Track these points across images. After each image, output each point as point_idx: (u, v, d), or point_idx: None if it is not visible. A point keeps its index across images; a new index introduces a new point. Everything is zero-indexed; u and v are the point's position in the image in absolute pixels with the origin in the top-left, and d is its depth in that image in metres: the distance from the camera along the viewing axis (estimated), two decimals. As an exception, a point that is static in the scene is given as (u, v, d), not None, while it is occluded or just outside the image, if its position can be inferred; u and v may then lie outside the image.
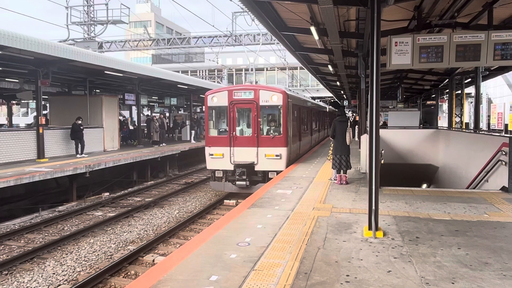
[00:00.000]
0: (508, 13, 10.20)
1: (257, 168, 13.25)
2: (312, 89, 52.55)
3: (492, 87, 41.29)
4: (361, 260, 5.11)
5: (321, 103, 32.47)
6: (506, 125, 34.71)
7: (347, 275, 4.64)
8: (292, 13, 10.58)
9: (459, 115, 21.99)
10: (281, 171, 12.75)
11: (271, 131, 13.52)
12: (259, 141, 13.14)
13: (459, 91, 21.91)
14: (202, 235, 6.31)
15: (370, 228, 6.16)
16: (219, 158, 13.42)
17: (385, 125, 22.59)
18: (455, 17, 9.70)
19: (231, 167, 13.26)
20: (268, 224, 6.80)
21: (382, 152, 11.08)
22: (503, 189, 9.51)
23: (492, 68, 17.67)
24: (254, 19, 11.72)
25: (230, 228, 6.58)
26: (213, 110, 14.22)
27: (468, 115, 23.46)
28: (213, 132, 14.08)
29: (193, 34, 39.15)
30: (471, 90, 21.91)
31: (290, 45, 14.59)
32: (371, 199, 6.17)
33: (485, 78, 20.45)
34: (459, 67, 14.81)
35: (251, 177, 13.21)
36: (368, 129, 6.69)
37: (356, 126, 22.15)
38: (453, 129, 19.24)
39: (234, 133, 13.35)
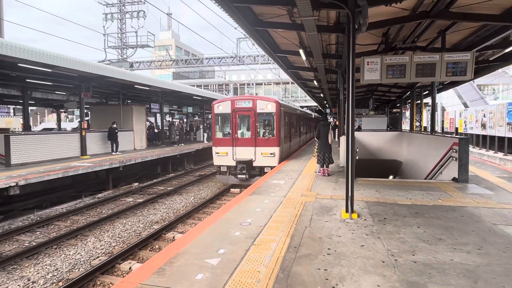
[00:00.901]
0: (458, 38, 10.20)
1: (255, 164, 13.15)
2: (301, 100, 52.51)
3: (445, 98, 41.29)
4: (340, 236, 5.14)
5: (308, 111, 32.37)
6: (456, 129, 34.70)
7: (328, 249, 4.66)
8: (284, 39, 10.60)
9: (419, 120, 21.98)
10: (275, 166, 12.65)
11: (266, 134, 13.30)
12: (256, 142, 13.04)
13: (419, 101, 21.93)
14: (212, 217, 6.33)
15: (347, 211, 6.18)
16: (223, 156, 13.34)
17: (359, 129, 22.62)
18: (415, 41, 9.71)
19: (234, 163, 13.19)
20: (265, 208, 6.82)
21: (357, 150, 11.13)
22: (454, 179, 9.52)
23: (445, 83, 17.68)
24: (254, 43, 11.74)
25: (234, 211, 6.62)
26: (219, 117, 13.93)
27: (426, 120, 23.47)
28: (219, 135, 13.81)
29: (205, 55, 39.07)
30: (428, 100, 21.91)
31: (283, 64, 14.59)
32: (348, 187, 6.18)
33: (440, 90, 20.44)
34: (418, 82, 14.79)
35: (250, 171, 13.13)
36: (345, 131, 6.69)
37: (336, 129, 22.11)
38: (414, 131, 19.24)
39: (236, 135, 13.30)
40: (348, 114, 6.45)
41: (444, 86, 19.76)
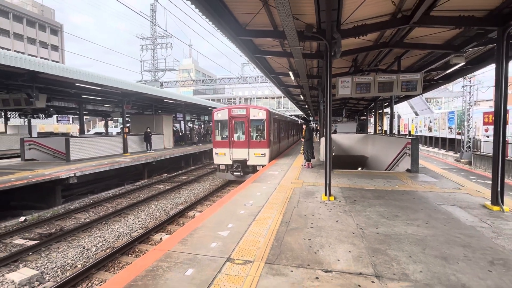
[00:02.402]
0: (410, 62, 10.18)
1: (248, 163, 11.98)
2: (291, 110, 52.29)
3: (400, 108, 41.12)
4: (320, 214, 5.13)
5: (296, 118, 31.97)
6: (409, 131, 34.61)
7: (312, 223, 4.65)
8: (277, 63, 10.58)
9: (381, 125, 21.89)
10: (265, 164, 11.60)
11: (258, 137, 12.05)
12: (249, 144, 11.88)
13: (380, 111, 21.85)
14: (223, 199, 6.31)
15: (326, 195, 6.16)
16: (222, 156, 12.19)
17: (335, 132, 22.52)
18: (377, 65, 9.69)
19: (230, 162, 12.06)
20: (264, 192, 6.81)
21: (334, 148, 11.19)
22: (408, 170, 9.49)
23: (400, 96, 17.61)
24: (255, 67, 11.77)
25: (240, 195, 6.61)
26: (218, 123, 12.51)
27: (386, 125, 23.38)
28: (218, 138, 12.42)
29: (218, 76, 39.03)
30: (388, 110, 21.88)
31: (277, 83, 14.56)
32: (326, 177, 6.17)
33: (396, 102, 20.32)
34: (380, 96, 14.73)
35: (244, 169, 11.99)
36: (324, 134, 6.67)
37: (318, 132, 22.05)
38: (377, 134, 19.17)
39: (232, 138, 12.07)
40: (327, 120, 6.44)
41: (400, 99, 19.71)
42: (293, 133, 25.96)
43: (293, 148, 20.43)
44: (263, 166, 11.40)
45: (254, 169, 11.80)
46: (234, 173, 11.90)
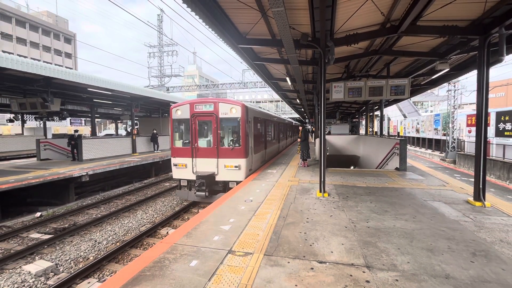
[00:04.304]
0: (399, 68, 10.20)
1: (217, 178, 8.32)
2: (288, 113, 52.38)
3: (390, 111, 41.18)
4: (315, 209, 5.13)
5: (292, 120, 31.55)
6: (398, 133, 34.64)
7: (307, 218, 4.66)
8: (275, 70, 10.59)
9: (371, 127, 21.92)
10: (240, 181, 8.10)
11: (231, 143, 8.47)
12: (219, 153, 8.26)
13: (371, 113, 21.88)
14: (225, 196, 6.30)
15: (320, 191, 6.17)
16: (182, 169, 8.56)
17: (329, 133, 22.57)
18: (368, 71, 9.71)
19: (194, 177, 8.35)
20: (263, 189, 6.81)
21: (328, 148, 11.16)
22: (396, 169, 9.51)
23: (389, 100, 17.63)
24: (254, 73, 11.52)
25: (241, 191, 6.60)
26: (177, 123, 8.97)
27: (376, 127, 23.42)
28: (178, 143, 8.83)
29: (220, 82, 39.11)
30: (378, 112, 21.93)
31: (275, 88, 14.56)
32: (321, 174, 6.18)
33: (386, 106, 20.36)
34: (371, 100, 14.76)
35: (212, 187, 8.41)
36: (319, 135, 6.69)
37: (313, 134, 22.06)
38: (368, 135, 19.20)
39: (196, 144, 8.41)
40: (321, 122, 6.45)
41: (389, 103, 19.74)
42: (285, 136, 21.26)
43: (289, 149, 20.19)
44: (237, 183, 8.02)
45: (225, 186, 8.36)
46: (197, 193, 8.16)
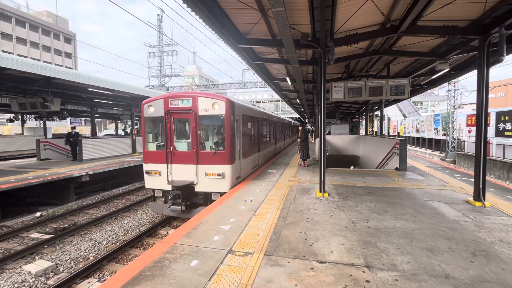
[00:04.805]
0: (399, 68, 10.20)
1: (197, 188, 6.89)
2: (288, 112, 52.41)
3: (390, 111, 41.21)
4: (315, 209, 5.13)
5: (291, 120, 31.06)
6: (398, 133, 34.67)
7: (307, 218, 4.66)
8: (275, 70, 10.60)
9: (371, 127, 21.93)
10: (225, 192, 6.70)
11: (213, 146, 7.07)
12: (198, 158, 6.82)
13: (371, 113, 21.89)
14: (225, 196, 6.30)
15: (320, 191, 6.17)
16: (156, 177, 7.14)
17: (329, 133, 22.57)
18: (368, 71, 9.71)
19: (169, 187, 6.98)
20: (263, 189, 6.81)
21: (328, 148, 11.16)
22: (396, 168, 9.51)
23: (389, 100, 17.64)
24: (254, 73, 11.43)
25: (241, 191, 6.60)
26: (150, 121, 7.53)
27: (376, 127, 23.43)
28: (151, 147, 7.40)
29: (220, 82, 39.13)
30: (378, 112, 21.93)
31: (275, 88, 14.56)
32: (321, 174, 6.18)
33: (386, 105, 20.37)
34: (371, 100, 14.77)
35: (191, 199, 7.03)
36: (319, 135, 6.69)
37: (313, 134, 22.06)
38: (368, 135, 19.20)
39: (171, 148, 7.00)
40: (321, 122, 6.45)
41: (389, 103, 19.75)
42: (283, 136, 19.01)
43: (289, 149, 20.13)
44: (221, 194, 6.63)
45: (207, 199, 6.91)
46: (171, 207, 6.77)
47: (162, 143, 7.24)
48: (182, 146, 7.14)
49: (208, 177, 6.77)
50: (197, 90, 38.86)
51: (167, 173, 7.01)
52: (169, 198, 6.78)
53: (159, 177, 7.11)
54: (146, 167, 7.26)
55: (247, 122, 8.57)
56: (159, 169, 7.10)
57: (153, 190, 7.33)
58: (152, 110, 7.28)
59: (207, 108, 6.84)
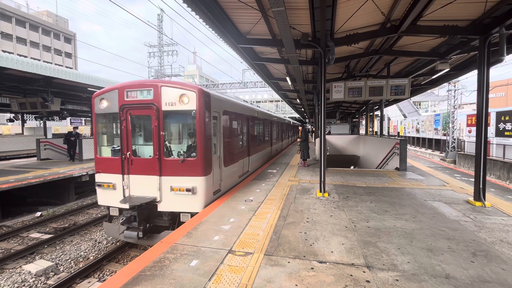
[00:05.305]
0: (399, 68, 10.20)
1: (161, 207, 5.36)
2: (288, 112, 52.47)
3: (390, 111, 41.21)
4: (315, 209, 5.13)
5: (290, 120, 30.47)
6: (398, 133, 34.69)
7: (307, 218, 4.66)
8: (276, 69, 10.59)
9: (371, 127, 21.94)
10: (196, 212, 5.18)
11: (182, 151, 5.54)
12: (162, 167, 5.31)
13: (371, 113, 21.90)
14: (225, 196, 6.30)
15: (320, 191, 6.17)
16: (109, 190, 5.60)
17: (329, 133, 22.58)
18: (368, 71, 9.71)
19: (126, 205, 5.27)
20: (263, 189, 6.80)
21: (328, 148, 11.15)
22: (396, 168, 9.52)
23: (390, 100, 17.64)
24: (254, 73, 11.36)
25: (241, 191, 6.59)
26: (103, 119, 5.96)
27: (376, 127, 23.43)
28: (105, 152, 5.91)
29: (220, 82, 39.13)
30: (378, 112, 21.93)
31: (275, 88, 14.57)
32: (321, 174, 6.18)
33: (386, 105, 20.37)
34: (371, 100, 14.76)
35: (153, 221, 5.52)
36: (319, 135, 6.69)
37: (313, 134, 22.07)
38: (368, 135, 19.20)
39: (127, 153, 5.47)
40: (321, 122, 6.45)
41: (389, 103, 19.75)
42: (280, 136, 16.93)
43: (289, 149, 20.06)
44: (192, 215, 5.17)
45: (174, 220, 5.43)
46: (125, 233, 5.23)
47: (118, 148, 5.61)
48: (142, 151, 5.60)
49: (175, 192, 5.17)
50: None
51: (123, 186, 5.41)
52: (121, 221, 5.03)
53: (113, 192, 5.51)
54: (98, 178, 5.63)
55: (232, 121, 7.00)
56: (113, 181, 5.50)
57: (108, 208, 5.71)
58: (105, 104, 5.64)
59: (173, 102, 5.20)
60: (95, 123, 5.86)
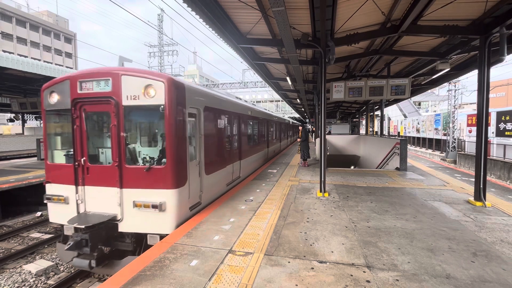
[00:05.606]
0: (399, 68, 10.20)
1: (122, 227, 4.21)
2: (288, 112, 52.48)
3: (390, 110, 41.20)
4: (316, 209, 5.13)
5: (290, 119, 30.01)
6: (398, 133, 34.68)
7: (308, 218, 4.66)
8: (276, 69, 10.60)
9: (372, 127, 21.92)
10: (166, 234, 4.05)
11: (147, 158, 4.49)
12: (123, 177, 4.16)
13: (372, 113, 21.88)
14: (225, 196, 6.30)
15: (321, 191, 6.17)
16: (61, 205, 4.44)
17: (329, 133, 22.59)
18: (369, 71, 9.71)
19: (81, 225, 3.93)
20: (263, 189, 6.80)
21: (328, 148, 11.15)
22: (397, 168, 9.51)
23: (390, 100, 17.63)
24: (255, 73, 11.35)
25: (241, 191, 6.58)
26: (55, 116, 4.68)
27: (377, 127, 23.45)
28: (58, 157, 4.67)
29: (220, 82, 39.13)
30: (378, 112, 21.91)
31: (275, 88, 14.57)
32: (321, 174, 6.18)
33: (386, 105, 20.38)
34: (371, 99, 14.75)
35: (114, 244, 4.36)
36: (319, 135, 6.69)
37: (314, 133, 22.07)
38: (368, 135, 19.19)
39: (83, 159, 4.36)
40: (321, 122, 6.45)
41: (390, 103, 19.74)
42: (277, 137, 15.56)
43: (289, 149, 19.98)
44: (162, 236, 4.09)
45: (141, 243, 4.34)
46: (74, 260, 4.11)
47: (69, 153, 4.56)
48: (103, 157, 4.57)
49: (138, 209, 4.11)
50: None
51: (77, 200, 4.36)
52: (67, 247, 3.91)
53: (66, 206, 4.43)
54: (49, 189, 4.56)
55: (217, 119, 5.92)
56: (66, 193, 4.43)
57: (62, 226, 4.58)
58: (56, 98, 4.53)
59: (137, 95, 4.13)
60: (44, 122, 4.71)
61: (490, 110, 5.66)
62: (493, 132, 15.41)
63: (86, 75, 4.35)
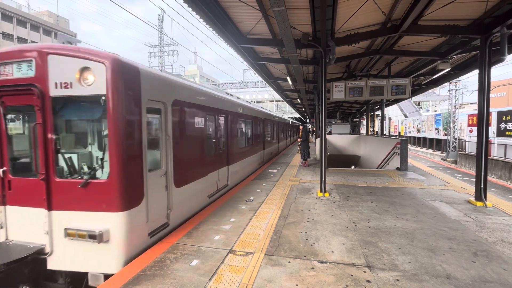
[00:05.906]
0: (399, 68, 10.19)
1: (52, 263, 3.02)
2: (289, 112, 52.52)
3: (391, 110, 41.18)
4: (316, 209, 5.13)
5: (290, 119, 29.32)
6: (399, 133, 34.69)
7: (308, 217, 4.66)
8: (276, 69, 10.60)
9: (372, 127, 21.91)
10: (112, 274, 2.86)
11: (83, 167, 3.15)
12: (53, 194, 3.01)
13: (372, 113, 21.87)
14: (226, 196, 6.29)
15: (321, 191, 6.17)
16: None
17: (330, 133, 22.58)
18: (369, 70, 9.71)
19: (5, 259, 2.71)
20: (263, 189, 6.80)
21: (328, 148, 11.15)
22: (397, 168, 9.51)
23: (390, 100, 17.63)
24: (255, 73, 11.31)
25: (241, 191, 6.58)
26: None
27: (377, 127, 23.43)
28: None
29: (220, 82, 39.16)
30: (379, 112, 21.88)
31: (276, 87, 14.56)
32: (321, 174, 6.18)
33: (387, 105, 20.36)
34: (371, 99, 14.75)
35: (44, 286, 3.12)
36: (320, 135, 6.69)
37: (314, 133, 22.06)
38: (369, 135, 19.18)
39: (1, 170, 3.19)
40: (322, 122, 6.45)
41: (390, 102, 19.73)
42: (276, 137, 14.37)
43: (289, 149, 19.94)
44: (107, 276, 2.94)
45: (80, 284, 3.15)
46: None
47: None
48: (27, 167, 3.39)
49: (72, 239, 3.06)
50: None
51: None
52: None
53: None
54: None
55: (194, 117, 4.73)
56: None
57: None
58: None
59: (69, 81, 3.04)
60: None
61: (491, 110, 5.65)
62: (494, 132, 15.40)
63: (4, 55, 3.18)
